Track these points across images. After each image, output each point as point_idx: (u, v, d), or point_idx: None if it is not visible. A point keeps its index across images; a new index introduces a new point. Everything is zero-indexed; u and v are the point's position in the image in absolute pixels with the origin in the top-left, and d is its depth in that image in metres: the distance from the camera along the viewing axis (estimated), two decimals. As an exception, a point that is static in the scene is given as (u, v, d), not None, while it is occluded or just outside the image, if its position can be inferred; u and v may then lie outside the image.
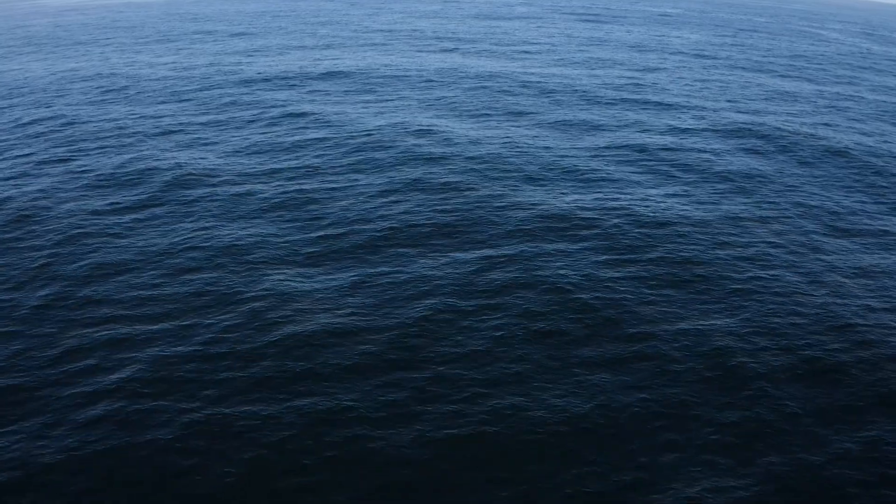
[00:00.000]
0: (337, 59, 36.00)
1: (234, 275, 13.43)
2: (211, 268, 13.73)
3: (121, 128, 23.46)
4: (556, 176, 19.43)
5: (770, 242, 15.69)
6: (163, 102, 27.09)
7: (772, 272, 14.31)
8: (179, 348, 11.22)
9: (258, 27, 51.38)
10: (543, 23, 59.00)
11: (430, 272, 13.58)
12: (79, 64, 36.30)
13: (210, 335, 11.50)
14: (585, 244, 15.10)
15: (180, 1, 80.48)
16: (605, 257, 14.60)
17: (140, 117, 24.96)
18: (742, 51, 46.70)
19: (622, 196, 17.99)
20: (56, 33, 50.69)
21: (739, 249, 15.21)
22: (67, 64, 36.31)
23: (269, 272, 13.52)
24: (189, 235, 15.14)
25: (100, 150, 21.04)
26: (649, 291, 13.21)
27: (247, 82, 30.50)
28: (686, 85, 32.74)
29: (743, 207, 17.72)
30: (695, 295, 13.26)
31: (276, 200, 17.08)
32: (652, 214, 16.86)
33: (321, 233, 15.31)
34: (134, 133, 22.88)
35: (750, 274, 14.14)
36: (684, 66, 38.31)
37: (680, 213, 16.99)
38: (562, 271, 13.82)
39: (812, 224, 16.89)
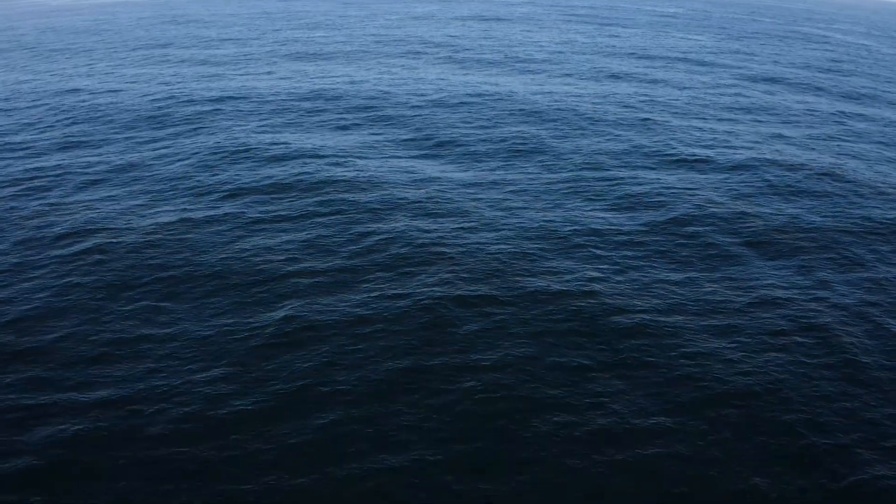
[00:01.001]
0: (321, 75, 34.00)
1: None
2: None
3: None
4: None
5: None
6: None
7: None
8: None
9: (250, 30, 49.66)
10: (544, 26, 57.34)
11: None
12: (28, 77, 34.41)
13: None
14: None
15: (175, 1, 78.63)
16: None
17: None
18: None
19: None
20: (40, 37, 48.93)
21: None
22: (19, 76, 34.48)
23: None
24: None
25: None
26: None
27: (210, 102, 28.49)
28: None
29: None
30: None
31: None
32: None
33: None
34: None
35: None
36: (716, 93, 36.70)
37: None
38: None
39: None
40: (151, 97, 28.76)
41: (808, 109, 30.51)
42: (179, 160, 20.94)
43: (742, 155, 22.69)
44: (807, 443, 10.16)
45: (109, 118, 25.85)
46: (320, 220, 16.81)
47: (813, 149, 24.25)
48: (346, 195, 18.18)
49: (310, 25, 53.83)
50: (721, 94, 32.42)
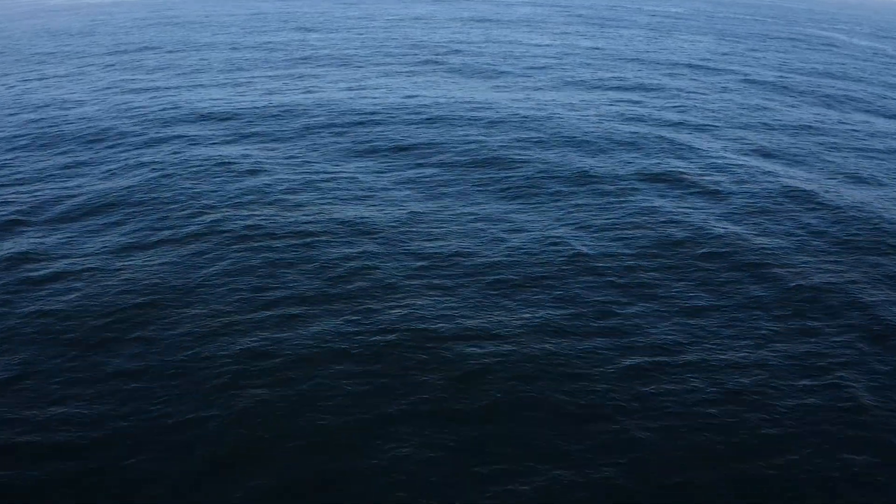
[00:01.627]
0: (310, 89, 33.01)
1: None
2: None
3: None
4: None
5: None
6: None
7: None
8: None
9: (244, 32, 48.64)
10: (545, 31, 56.38)
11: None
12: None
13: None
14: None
15: (172, 1, 77.48)
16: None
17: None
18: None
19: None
20: (29, 40, 47.87)
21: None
22: None
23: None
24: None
25: None
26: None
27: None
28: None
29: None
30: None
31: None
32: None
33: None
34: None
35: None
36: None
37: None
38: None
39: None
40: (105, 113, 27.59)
41: (817, 120, 29.69)
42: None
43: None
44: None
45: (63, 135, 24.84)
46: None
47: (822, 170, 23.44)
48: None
49: (305, 28, 52.84)
50: (737, 107, 31.55)
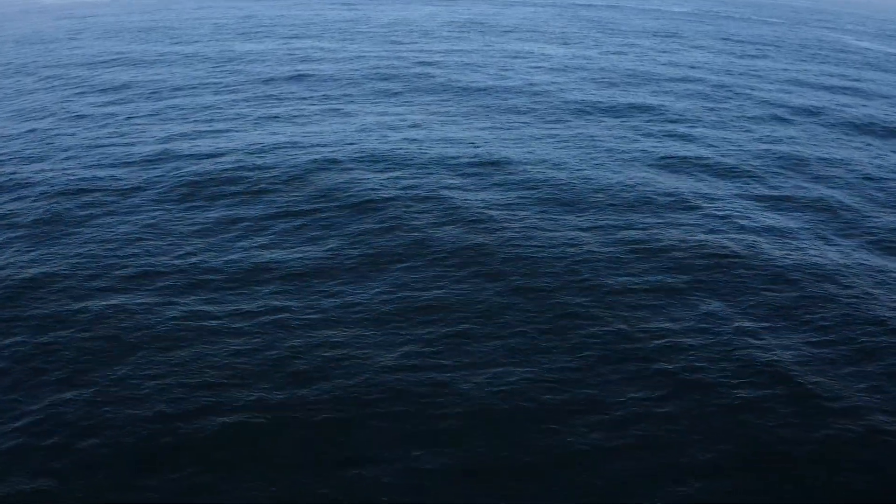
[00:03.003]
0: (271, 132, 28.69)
1: None
2: None
3: None
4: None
5: None
6: None
7: None
8: None
9: (241, 38, 45.60)
10: (550, 40, 53.71)
11: None
12: None
13: None
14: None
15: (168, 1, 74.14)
16: None
17: None
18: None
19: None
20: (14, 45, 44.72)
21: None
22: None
23: None
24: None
25: None
26: None
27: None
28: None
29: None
30: None
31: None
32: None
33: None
34: None
35: None
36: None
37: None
38: None
39: None
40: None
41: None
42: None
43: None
44: None
45: None
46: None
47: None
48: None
49: (293, 35, 49.85)
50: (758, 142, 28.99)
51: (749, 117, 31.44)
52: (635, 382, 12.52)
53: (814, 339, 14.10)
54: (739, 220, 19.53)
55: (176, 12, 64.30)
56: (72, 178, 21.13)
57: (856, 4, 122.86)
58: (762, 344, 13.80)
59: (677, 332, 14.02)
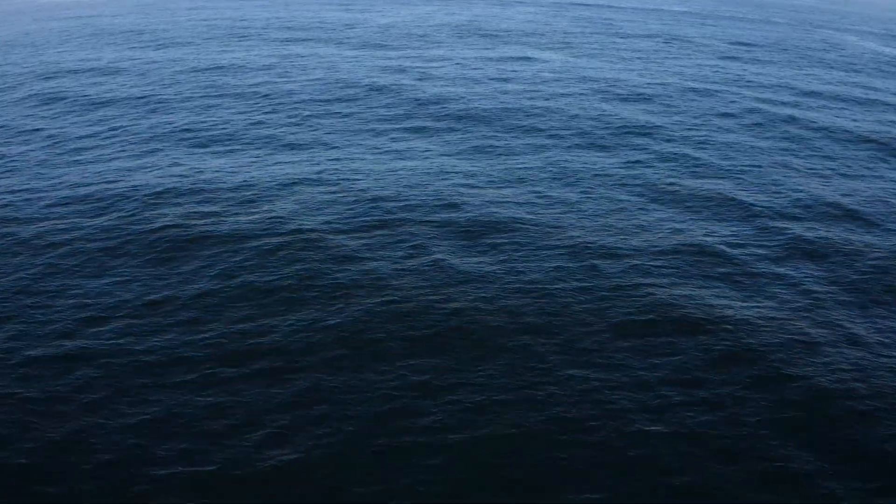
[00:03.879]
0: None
1: None
2: None
3: None
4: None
5: None
6: None
7: None
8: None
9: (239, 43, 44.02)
10: (552, 46, 52.22)
11: None
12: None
13: None
14: None
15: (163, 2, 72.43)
16: None
17: None
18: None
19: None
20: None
21: None
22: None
23: None
24: None
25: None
26: None
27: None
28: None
29: None
30: None
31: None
32: None
33: None
34: None
35: None
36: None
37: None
38: None
39: None
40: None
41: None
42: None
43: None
44: None
45: None
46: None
47: None
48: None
49: (286, 39, 48.34)
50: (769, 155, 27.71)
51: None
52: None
53: None
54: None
55: (171, 12, 62.60)
56: None
57: (861, 3, 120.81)
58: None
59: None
